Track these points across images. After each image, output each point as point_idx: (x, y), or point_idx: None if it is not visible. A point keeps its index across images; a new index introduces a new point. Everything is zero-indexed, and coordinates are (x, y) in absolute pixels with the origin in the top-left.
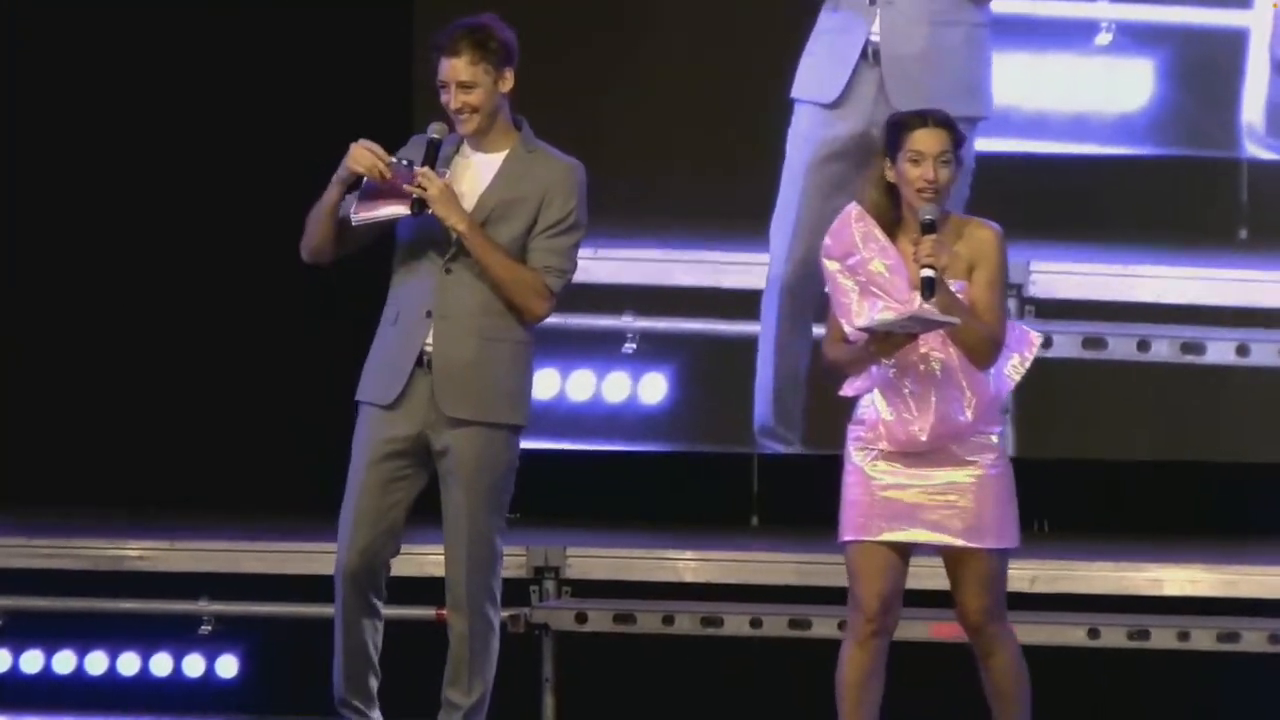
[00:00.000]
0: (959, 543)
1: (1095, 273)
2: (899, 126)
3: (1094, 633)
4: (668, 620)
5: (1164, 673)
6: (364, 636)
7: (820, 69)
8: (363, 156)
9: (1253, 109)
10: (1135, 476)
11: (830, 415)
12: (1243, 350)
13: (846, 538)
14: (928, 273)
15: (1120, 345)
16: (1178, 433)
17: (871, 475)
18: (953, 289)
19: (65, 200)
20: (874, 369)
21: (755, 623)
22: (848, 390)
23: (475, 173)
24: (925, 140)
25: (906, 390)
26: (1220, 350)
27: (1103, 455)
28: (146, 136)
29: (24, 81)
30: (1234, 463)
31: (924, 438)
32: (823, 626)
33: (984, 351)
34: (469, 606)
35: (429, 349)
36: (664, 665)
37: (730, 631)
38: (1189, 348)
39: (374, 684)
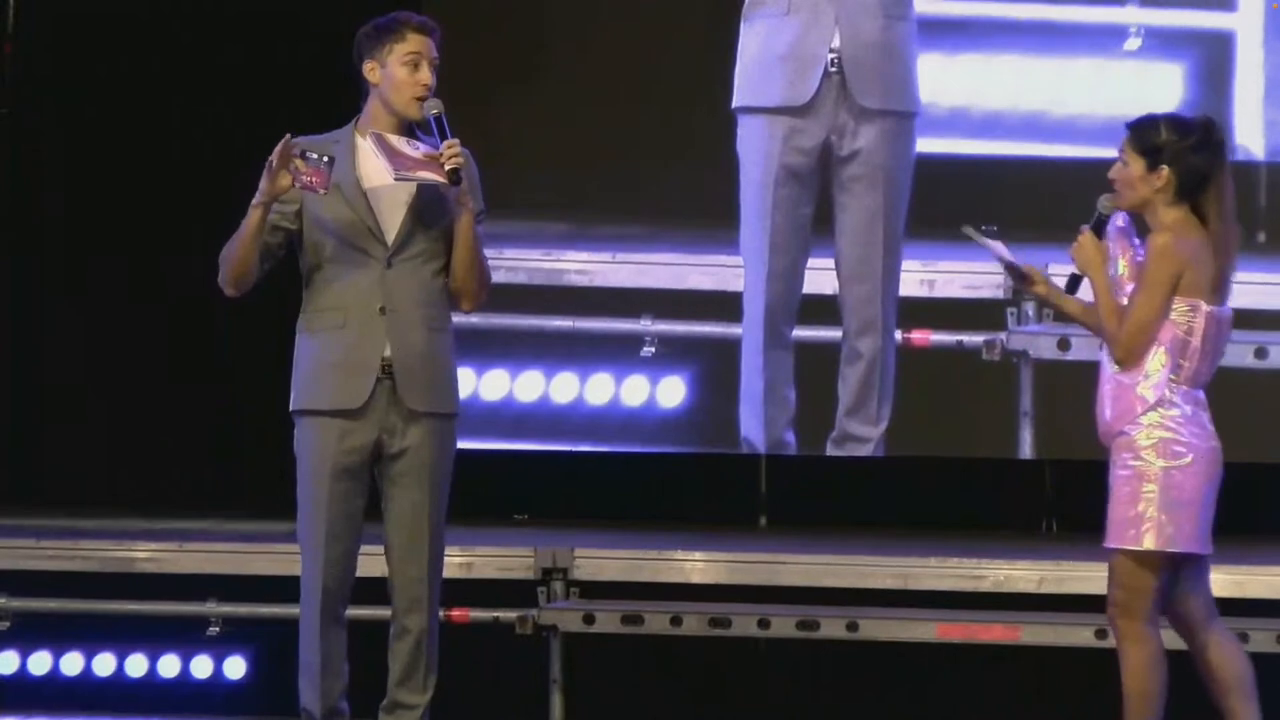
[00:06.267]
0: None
1: None
2: None
3: (1102, 633)
4: (676, 621)
5: (1172, 672)
6: (338, 652)
7: (782, 74)
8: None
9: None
10: None
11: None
12: (1261, 353)
13: None
14: (1075, 270)
15: None
16: None
17: None
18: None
19: (70, 200)
20: None
21: (763, 623)
22: None
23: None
24: None
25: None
26: (1238, 353)
27: None
28: (145, 133)
29: (27, 81)
30: (1245, 463)
31: (1099, 430)
32: (830, 627)
33: (1114, 351)
34: (429, 604)
35: (387, 357)
36: (672, 666)
37: (738, 632)
38: None
39: (345, 703)
